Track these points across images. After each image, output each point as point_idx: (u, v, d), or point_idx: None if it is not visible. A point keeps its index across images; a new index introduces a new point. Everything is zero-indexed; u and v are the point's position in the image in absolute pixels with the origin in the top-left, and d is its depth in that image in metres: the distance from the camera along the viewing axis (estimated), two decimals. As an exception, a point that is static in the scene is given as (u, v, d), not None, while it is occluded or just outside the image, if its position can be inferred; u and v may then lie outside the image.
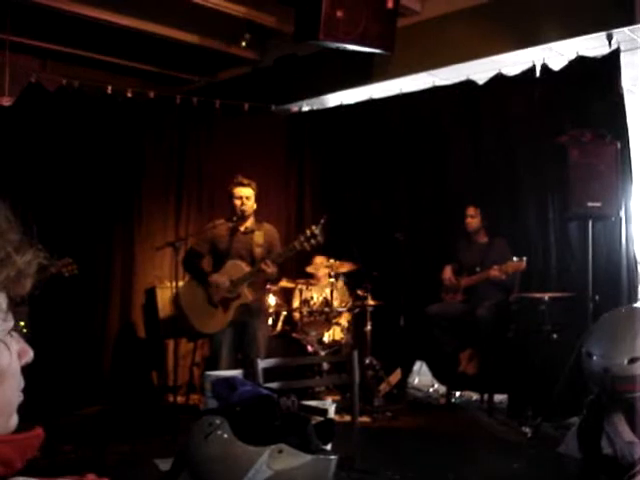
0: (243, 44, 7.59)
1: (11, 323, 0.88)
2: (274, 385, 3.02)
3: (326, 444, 1.90)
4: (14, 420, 0.88)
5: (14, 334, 0.89)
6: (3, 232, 0.85)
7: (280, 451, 1.71)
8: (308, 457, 1.74)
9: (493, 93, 6.68)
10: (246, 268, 5.50)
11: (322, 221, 5.39)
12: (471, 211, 6.60)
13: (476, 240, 6.67)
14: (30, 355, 0.92)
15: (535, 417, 5.44)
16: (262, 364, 3.39)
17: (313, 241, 5.29)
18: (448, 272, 6.72)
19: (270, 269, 5.39)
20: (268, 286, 6.37)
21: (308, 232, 5.32)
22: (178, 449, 1.87)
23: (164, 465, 2.05)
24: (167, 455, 2.19)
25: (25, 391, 0.90)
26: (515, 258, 5.95)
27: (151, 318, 7.03)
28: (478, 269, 6.42)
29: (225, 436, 1.74)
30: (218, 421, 1.76)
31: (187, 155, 7.64)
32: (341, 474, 2.04)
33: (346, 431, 3.21)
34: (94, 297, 6.89)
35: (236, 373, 2.49)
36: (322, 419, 2.08)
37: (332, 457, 1.79)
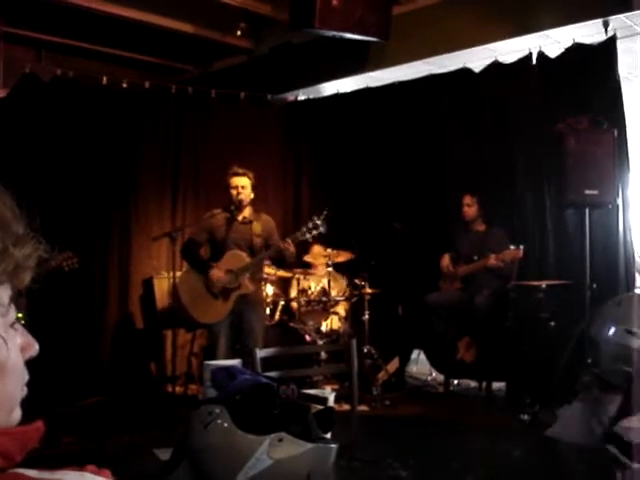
0: (238, 33, 7.55)
1: (13, 316, 0.87)
2: (272, 374, 3.02)
3: (326, 433, 1.90)
4: (16, 414, 0.87)
5: (18, 327, 0.88)
6: (5, 224, 0.84)
7: (280, 440, 1.71)
8: (308, 446, 1.74)
9: (489, 81, 6.66)
10: (246, 258, 5.50)
11: (325, 212, 5.42)
12: (467, 200, 6.59)
13: (473, 229, 6.66)
14: (35, 349, 0.90)
15: (533, 404, 5.45)
16: (261, 353, 3.39)
17: (315, 232, 5.33)
18: (446, 260, 6.72)
19: (291, 248, 5.40)
20: (266, 275, 6.37)
21: (310, 223, 5.35)
22: (178, 439, 1.86)
23: (164, 455, 2.05)
24: (166, 445, 2.19)
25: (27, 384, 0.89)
26: (512, 246, 5.96)
27: (149, 309, 7.02)
28: (476, 258, 6.43)
29: (225, 425, 1.74)
30: (218, 410, 1.75)
31: (183, 145, 7.61)
32: (341, 462, 2.04)
33: (345, 420, 3.21)
34: (92, 288, 6.87)
35: (235, 362, 2.49)
36: (322, 408, 2.08)
37: (332, 446, 1.79)
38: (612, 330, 2.11)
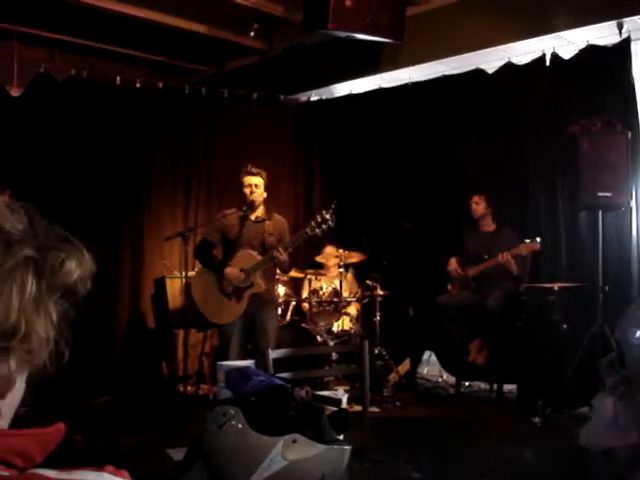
0: (251, 34, 7.56)
1: None
2: (285, 375, 3.02)
3: (339, 434, 1.90)
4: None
5: None
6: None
7: (294, 441, 1.71)
8: (322, 447, 1.74)
9: (503, 82, 6.65)
10: (258, 257, 5.50)
11: (333, 206, 5.42)
12: (475, 199, 6.59)
13: (482, 228, 6.65)
14: None
15: (545, 407, 5.43)
16: (273, 354, 3.39)
17: (324, 226, 5.32)
18: (453, 264, 6.69)
19: (283, 257, 5.39)
20: (277, 276, 6.37)
21: (319, 218, 5.34)
22: (192, 439, 1.87)
23: (177, 455, 2.06)
24: (177, 445, 2.20)
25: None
26: (527, 240, 5.92)
27: (161, 308, 7.03)
28: (486, 257, 6.40)
29: (239, 426, 1.74)
30: (232, 411, 1.76)
31: (196, 145, 7.63)
32: (354, 464, 2.04)
33: (357, 421, 3.21)
34: (104, 287, 6.87)
35: (248, 363, 2.50)
36: (335, 409, 2.08)
37: (346, 447, 1.79)
38: (637, 333, 2.07)
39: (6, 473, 0.76)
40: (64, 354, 0.85)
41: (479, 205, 6.59)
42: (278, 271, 6.26)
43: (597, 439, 1.91)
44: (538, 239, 5.91)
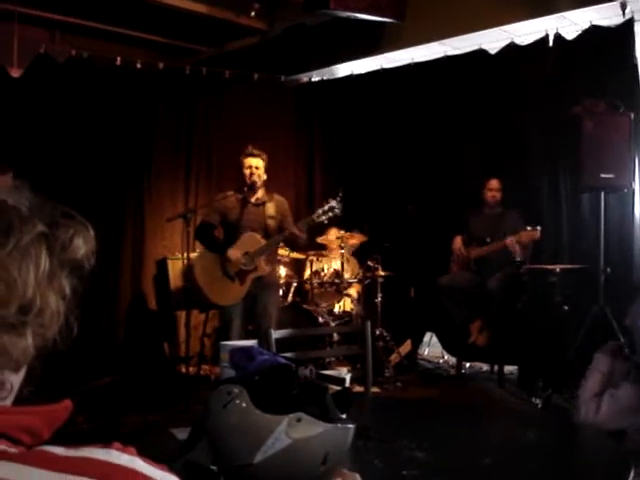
0: (252, 14, 7.52)
1: None
2: (289, 355, 3.03)
3: (343, 413, 1.90)
4: None
5: None
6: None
7: (298, 420, 1.71)
8: (326, 426, 1.74)
9: (505, 63, 6.62)
10: (262, 240, 5.49)
11: (340, 194, 5.42)
12: (495, 184, 6.52)
13: (488, 211, 6.62)
14: None
15: (545, 388, 5.46)
16: (275, 335, 3.40)
17: (331, 214, 5.33)
18: (458, 242, 6.67)
19: (302, 235, 5.41)
20: (279, 257, 6.38)
21: (326, 205, 5.33)
22: (196, 418, 1.87)
23: (181, 434, 2.06)
24: (180, 425, 2.20)
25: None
26: (529, 227, 5.91)
27: (162, 289, 7.05)
28: (489, 240, 6.39)
29: (244, 405, 1.74)
30: (237, 390, 1.76)
31: (196, 126, 7.61)
32: (358, 443, 2.05)
33: (359, 401, 3.22)
34: (105, 269, 6.88)
35: (252, 343, 2.51)
36: (339, 388, 2.09)
37: (350, 426, 1.80)
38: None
39: (15, 450, 0.76)
40: (73, 329, 0.86)
41: (499, 192, 6.52)
42: (280, 252, 6.27)
43: (613, 422, 1.91)
44: (539, 227, 5.89)
